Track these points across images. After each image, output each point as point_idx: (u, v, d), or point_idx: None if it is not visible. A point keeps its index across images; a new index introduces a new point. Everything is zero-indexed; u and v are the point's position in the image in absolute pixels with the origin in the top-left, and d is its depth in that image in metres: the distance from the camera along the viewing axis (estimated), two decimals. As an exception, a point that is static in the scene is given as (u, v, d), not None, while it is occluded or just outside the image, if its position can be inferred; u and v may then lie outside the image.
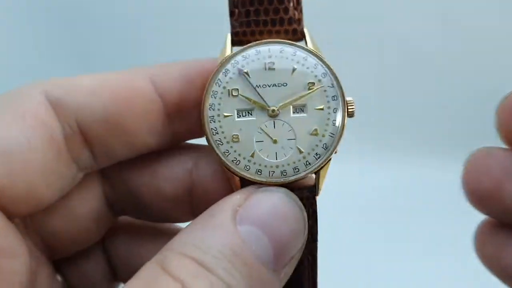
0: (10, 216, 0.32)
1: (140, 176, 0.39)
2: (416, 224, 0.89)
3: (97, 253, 0.44)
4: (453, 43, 1.03)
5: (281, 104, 0.34)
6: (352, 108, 0.34)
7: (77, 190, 0.38)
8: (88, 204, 0.39)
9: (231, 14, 0.36)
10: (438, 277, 0.79)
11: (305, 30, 0.36)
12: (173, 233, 0.45)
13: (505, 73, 0.97)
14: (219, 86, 0.34)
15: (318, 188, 0.35)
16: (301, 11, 0.36)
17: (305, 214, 0.34)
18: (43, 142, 0.32)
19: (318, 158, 0.34)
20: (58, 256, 0.40)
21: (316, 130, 0.34)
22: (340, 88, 0.34)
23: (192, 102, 0.36)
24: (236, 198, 0.32)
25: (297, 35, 0.36)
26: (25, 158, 0.31)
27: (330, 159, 0.34)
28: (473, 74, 1.04)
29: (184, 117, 0.37)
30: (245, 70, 0.34)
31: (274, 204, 0.31)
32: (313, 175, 0.35)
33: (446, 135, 1.07)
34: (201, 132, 0.35)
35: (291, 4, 0.35)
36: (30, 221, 0.37)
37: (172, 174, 0.39)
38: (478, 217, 0.33)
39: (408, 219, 0.90)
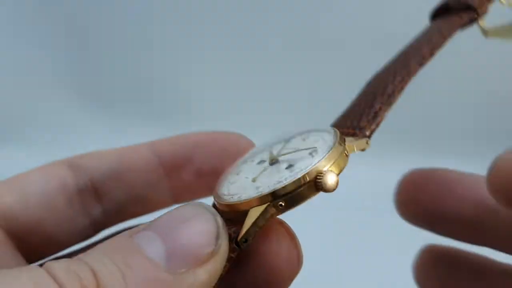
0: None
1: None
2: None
3: None
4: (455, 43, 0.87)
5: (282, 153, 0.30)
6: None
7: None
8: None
9: None
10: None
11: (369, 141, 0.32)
12: None
13: (504, 72, 0.97)
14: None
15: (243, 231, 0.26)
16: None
17: (219, 218, 0.28)
18: (58, 188, 0.39)
19: (257, 192, 0.28)
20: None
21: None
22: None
23: (185, 160, 0.38)
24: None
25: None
26: (40, 193, 0.38)
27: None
28: (474, 73, 1.02)
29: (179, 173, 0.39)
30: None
31: (176, 210, 0.29)
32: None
33: (445, 134, 1.06)
34: (201, 191, 0.38)
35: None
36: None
37: None
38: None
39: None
